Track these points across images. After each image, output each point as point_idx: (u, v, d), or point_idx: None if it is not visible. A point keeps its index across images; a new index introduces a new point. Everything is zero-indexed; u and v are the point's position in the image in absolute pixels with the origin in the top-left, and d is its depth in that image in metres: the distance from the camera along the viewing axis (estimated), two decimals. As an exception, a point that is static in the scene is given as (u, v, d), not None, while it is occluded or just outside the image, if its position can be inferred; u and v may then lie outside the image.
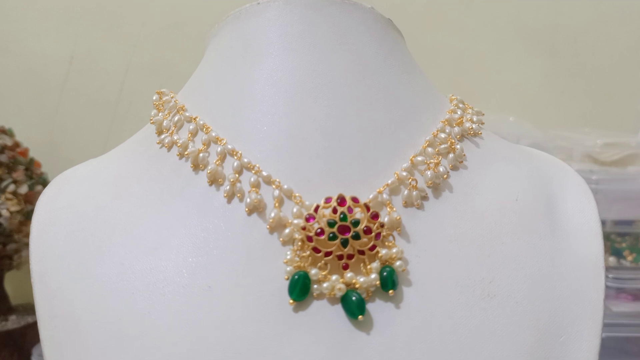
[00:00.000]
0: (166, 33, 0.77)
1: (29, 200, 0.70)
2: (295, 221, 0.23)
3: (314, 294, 0.23)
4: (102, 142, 0.79)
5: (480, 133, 0.29)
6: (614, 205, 0.61)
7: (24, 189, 0.69)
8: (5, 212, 0.66)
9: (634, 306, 0.59)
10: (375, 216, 0.24)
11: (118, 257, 0.24)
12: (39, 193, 0.71)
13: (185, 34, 0.77)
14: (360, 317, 0.22)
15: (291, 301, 0.22)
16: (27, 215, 0.70)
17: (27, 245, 0.71)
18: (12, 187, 0.67)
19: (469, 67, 0.77)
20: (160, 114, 0.29)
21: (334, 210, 0.23)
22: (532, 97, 0.77)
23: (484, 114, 0.30)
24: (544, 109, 0.77)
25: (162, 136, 0.28)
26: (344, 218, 0.23)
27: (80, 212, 0.26)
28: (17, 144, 0.72)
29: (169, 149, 0.27)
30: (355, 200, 0.23)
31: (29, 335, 0.70)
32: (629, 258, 0.62)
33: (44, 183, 0.74)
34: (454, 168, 0.27)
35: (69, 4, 0.77)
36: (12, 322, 0.71)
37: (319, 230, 0.23)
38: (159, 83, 0.79)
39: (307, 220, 0.23)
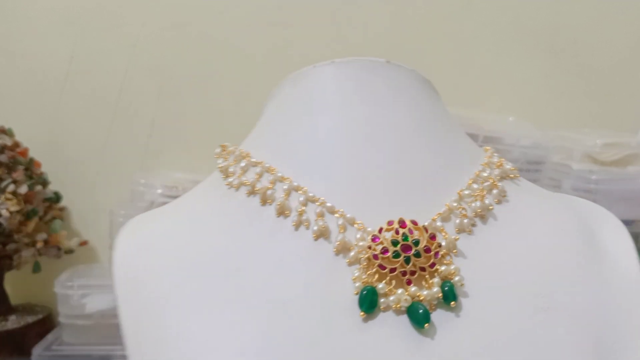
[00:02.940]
0: (166, 33, 0.77)
1: (29, 200, 0.70)
2: (361, 243, 0.26)
3: (381, 307, 0.25)
4: (102, 142, 0.79)
5: (519, 176, 0.33)
6: (614, 205, 0.61)
7: (23, 189, 0.69)
8: (5, 212, 0.66)
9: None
10: (433, 237, 0.26)
11: (198, 279, 0.27)
12: (39, 193, 0.72)
13: (186, 34, 0.77)
14: (426, 325, 0.24)
15: (362, 313, 0.24)
16: (27, 215, 0.70)
17: (26, 245, 0.71)
18: (11, 187, 0.67)
19: (469, 67, 0.77)
20: (225, 162, 0.32)
21: (396, 232, 0.26)
22: (532, 97, 0.77)
23: (516, 169, 0.33)
24: (544, 109, 0.77)
25: (230, 179, 0.31)
26: (405, 238, 0.26)
27: (160, 244, 0.29)
28: (17, 144, 0.72)
29: (237, 189, 0.30)
30: (414, 223, 0.26)
31: (28, 335, 0.70)
32: (629, 258, 0.62)
33: (44, 183, 0.74)
34: (498, 202, 0.30)
35: (69, 4, 0.77)
36: (12, 322, 0.71)
37: (383, 249, 0.25)
38: (159, 83, 0.79)
39: (373, 240, 0.26)
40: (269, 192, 0.29)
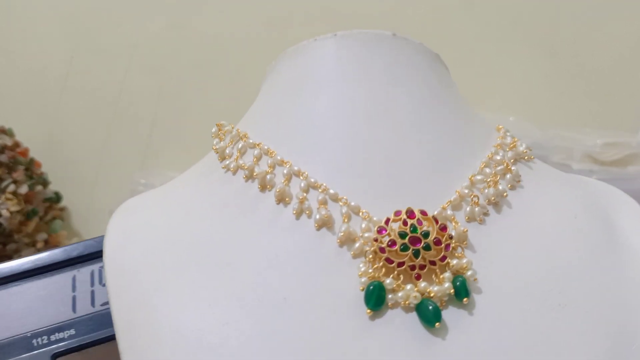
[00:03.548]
0: (166, 33, 0.77)
1: (29, 200, 0.70)
2: (366, 234, 0.24)
3: (389, 303, 0.23)
4: (102, 142, 0.79)
5: (533, 157, 0.30)
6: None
7: (24, 189, 0.69)
8: (5, 212, 0.66)
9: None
10: (443, 228, 0.24)
11: (193, 273, 0.25)
12: (39, 193, 0.72)
13: (186, 34, 0.77)
14: (437, 324, 0.23)
15: (368, 311, 0.23)
16: (27, 215, 0.70)
17: (27, 245, 0.71)
18: (12, 187, 0.67)
19: (469, 66, 0.77)
20: (222, 142, 0.30)
21: (404, 223, 0.24)
22: (532, 97, 0.77)
23: (531, 149, 0.32)
24: (544, 109, 0.77)
25: (227, 161, 0.29)
26: (414, 230, 0.24)
27: (152, 233, 0.27)
28: (17, 144, 0.72)
29: (234, 172, 0.28)
30: (423, 213, 0.24)
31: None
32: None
33: (44, 183, 0.74)
34: (512, 188, 0.28)
35: (69, 4, 0.77)
36: (12, 322, 0.71)
37: (390, 242, 0.24)
38: (159, 83, 0.79)
39: (379, 232, 0.24)
40: (268, 177, 0.27)
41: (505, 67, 0.76)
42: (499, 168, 0.28)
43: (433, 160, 0.27)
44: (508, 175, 0.28)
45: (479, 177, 0.27)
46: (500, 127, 0.32)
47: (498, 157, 0.28)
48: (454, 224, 0.25)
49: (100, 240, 0.36)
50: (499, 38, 0.76)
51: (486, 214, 0.26)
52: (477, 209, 0.26)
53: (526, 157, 0.30)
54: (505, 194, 0.27)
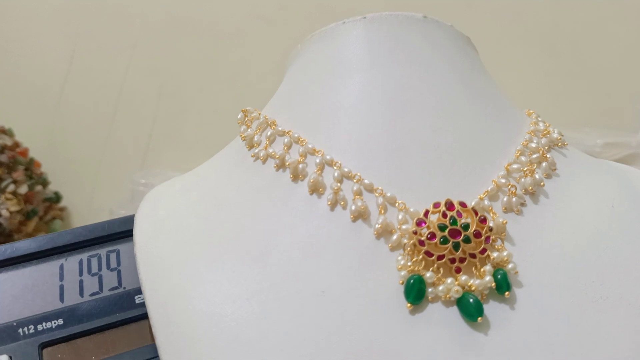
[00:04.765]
0: (166, 33, 0.77)
1: (29, 200, 0.70)
2: (404, 226, 0.24)
3: (429, 297, 0.23)
4: (102, 142, 0.79)
5: (567, 144, 0.30)
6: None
7: (23, 189, 0.69)
8: (5, 212, 0.66)
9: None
10: (483, 220, 0.24)
11: (228, 264, 0.24)
12: (39, 193, 0.72)
13: (185, 33, 0.77)
14: (479, 318, 0.22)
15: (409, 305, 0.22)
16: (27, 215, 0.70)
17: (27, 245, 0.71)
18: (12, 187, 0.67)
19: (469, 67, 0.77)
20: (249, 130, 0.29)
21: (444, 215, 0.23)
22: (532, 97, 0.77)
23: (563, 135, 0.31)
24: (544, 109, 0.76)
25: (255, 150, 0.28)
26: (454, 222, 0.23)
27: (183, 223, 0.27)
28: (17, 144, 0.72)
29: (264, 161, 0.27)
30: (462, 204, 0.24)
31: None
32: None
33: (44, 183, 0.74)
34: (547, 176, 0.27)
35: (69, 4, 0.77)
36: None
37: (430, 234, 0.23)
38: (158, 83, 0.79)
39: (418, 224, 0.23)
40: (300, 166, 0.26)
41: (505, 67, 0.76)
42: (534, 156, 0.27)
43: (468, 147, 0.26)
44: (544, 164, 0.27)
45: (515, 166, 0.26)
46: (530, 111, 0.31)
47: (533, 145, 0.27)
48: (491, 215, 0.24)
49: (87, 228, 0.34)
50: (499, 38, 0.76)
51: (523, 204, 0.25)
52: (514, 199, 0.25)
53: (559, 144, 0.29)
54: (542, 183, 0.26)
